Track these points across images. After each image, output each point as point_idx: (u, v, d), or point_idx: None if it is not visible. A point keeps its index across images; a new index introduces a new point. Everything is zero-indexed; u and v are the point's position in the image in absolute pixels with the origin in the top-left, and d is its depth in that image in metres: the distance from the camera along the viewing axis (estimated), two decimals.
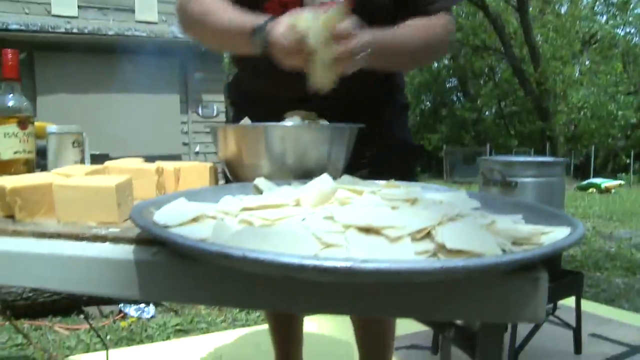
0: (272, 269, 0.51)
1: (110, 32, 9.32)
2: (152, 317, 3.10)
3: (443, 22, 1.28)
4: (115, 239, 0.75)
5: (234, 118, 1.49)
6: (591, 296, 3.59)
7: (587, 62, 24.27)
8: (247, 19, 1.13)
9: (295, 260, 0.48)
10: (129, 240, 0.74)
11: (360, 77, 1.10)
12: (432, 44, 1.27)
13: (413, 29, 1.21)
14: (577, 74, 22.83)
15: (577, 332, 2.51)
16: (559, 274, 2.41)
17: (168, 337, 2.84)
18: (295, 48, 1.00)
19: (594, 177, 16.79)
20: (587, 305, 3.02)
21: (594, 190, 12.07)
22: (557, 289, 2.32)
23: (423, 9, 1.26)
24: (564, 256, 4.36)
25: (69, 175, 0.93)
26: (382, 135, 1.37)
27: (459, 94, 28.48)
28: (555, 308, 2.44)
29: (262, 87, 1.35)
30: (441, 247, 0.60)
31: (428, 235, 0.64)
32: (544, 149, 20.93)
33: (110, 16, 9.77)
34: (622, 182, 12.84)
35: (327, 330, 2.88)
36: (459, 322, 0.81)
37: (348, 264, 0.48)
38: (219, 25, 1.19)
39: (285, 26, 1.01)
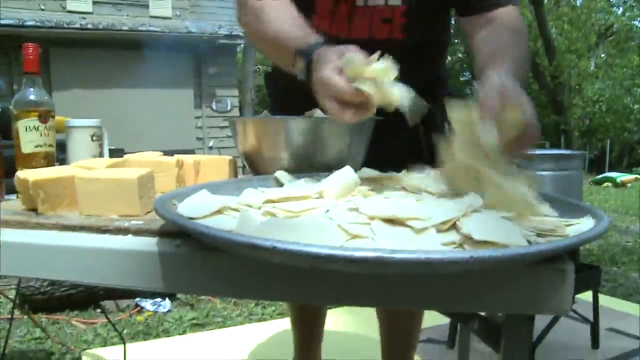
0: (300, 259, 0.51)
1: (125, 28, 9.37)
2: (169, 311, 3.12)
3: (520, 18, 1.23)
4: (138, 232, 0.75)
5: (271, 109, 1.46)
6: (608, 290, 3.57)
7: (602, 55, 24.02)
8: (293, 34, 1.04)
9: (325, 251, 0.48)
10: (152, 233, 0.74)
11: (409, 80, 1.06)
12: (525, 41, 1.22)
13: (515, 43, 1.14)
14: (592, 67, 22.62)
15: (594, 326, 2.50)
16: (577, 267, 2.39)
17: (184, 331, 2.86)
18: (353, 100, 0.84)
19: (609, 171, 16.65)
20: (604, 300, 3.00)
21: (609, 184, 11.96)
22: (574, 283, 2.31)
23: (491, 2, 1.22)
24: (580, 250, 4.33)
25: (90, 168, 0.93)
26: (424, 132, 1.34)
27: (472, 88, 28.30)
28: (572, 302, 2.43)
29: (297, 82, 1.34)
30: (467, 238, 0.60)
31: (453, 226, 0.63)
32: (559, 142, 20.77)
33: (124, 12, 9.81)
34: (638, 176, 12.70)
35: (344, 326, 2.88)
36: (482, 313, 0.80)
37: (378, 254, 0.48)
38: (267, 30, 1.10)
39: (337, 70, 0.87)
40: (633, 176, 12.49)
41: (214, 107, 10.81)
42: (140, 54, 9.43)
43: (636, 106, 20.30)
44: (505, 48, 1.10)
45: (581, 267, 2.45)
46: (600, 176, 12.66)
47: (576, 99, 21.57)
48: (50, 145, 1.13)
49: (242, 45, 11.42)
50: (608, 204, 8.23)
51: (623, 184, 11.81)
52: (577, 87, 21.76)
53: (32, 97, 1.10)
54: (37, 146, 1.10)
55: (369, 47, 1.15)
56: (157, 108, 9.57)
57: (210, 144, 10.78)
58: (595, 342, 2.53)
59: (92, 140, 1.30)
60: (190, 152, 10.17)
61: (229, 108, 10.99)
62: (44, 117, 1.11)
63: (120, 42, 9.30)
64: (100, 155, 1.34)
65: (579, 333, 2.61)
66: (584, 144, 22.35)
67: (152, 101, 9.57)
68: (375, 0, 1.24)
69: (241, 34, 11.05)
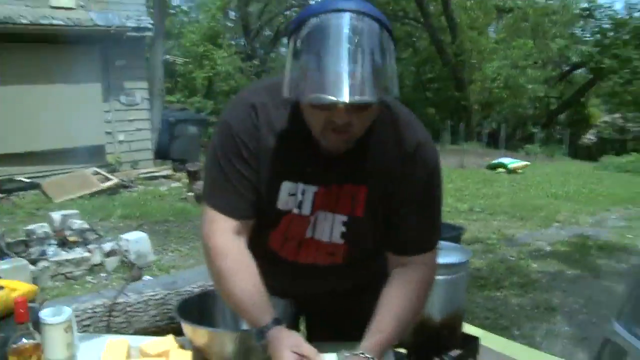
0: None
1: (24, 21, 9.02)
2: None
3: (433, 266, 1.49)
4: None
5: None
6: (491, 323, 4.12)
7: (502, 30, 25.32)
8: (250, 311, 1.34)
9: None
10: None
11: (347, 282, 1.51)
12: (425, 301, 1.48)
13: (411, 306, 1.42)
14: (492, 43, 23.76)
15: None
16: (461, 339, 2.87)
17: None
18: None
19: (505, 145, 17.92)
20: (487, 339, 3.47)
21: (503, 170, 12.94)
22: (459, 357, 2.79)
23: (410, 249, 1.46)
24: (472, 271, 4.89)
25: None
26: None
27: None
28: None
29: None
30: None
31: None
32: (458, 118, 21.97)
33: (22, 2, 9.43)
34: (527, 163, 13.78)
35: None
36: None
37: None
38: (229, 295, 1.38)
39: None
40: (524, 163, 13.53)
41: (122, 100, 10.74)
42: (42, 48, 9.21)
43: (530, 86, 21.67)
44: (397, 315, 1.39)
45: (464, 338, 2.92)
46: (495, 162, 13.62)
47: (476, 76, 22.74)
48: None
49: (151, 35, 11.28)
50: (499, 202, 9.01)
51: (515, 171, 12.82)
52: (477, 65, 22.90)
53: (27, 342, 1.37)
54: None
55: (314, 269, 1.51)
56: (63, 103, 9.40)
57: (121, 137, 10.73)
58: None
59: (66, 332, 1.57)
60: (100, 148, 10.12)
61: (138, 101, 10.96)
62: (36, 353, 1.38)
63: (19, 36, 8.97)
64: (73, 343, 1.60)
65: None
66: (483, 118, 23.72)
67: (57, 97, 9.39)
68: (321, 236, 1.47)
69: (149, 25, 10.94)
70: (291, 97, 1.25)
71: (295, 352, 1.26)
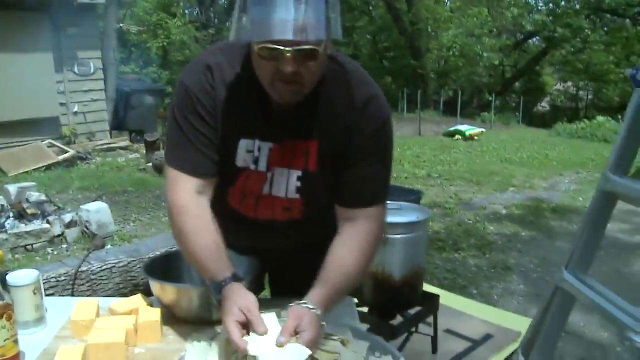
0: None
1: None
2: None
3: (378, 221, 1.49)
4: None
5: None
6: (449, 283, 4.27)
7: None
8: (208, 267, 1.36)
9: None
10: None
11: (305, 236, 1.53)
12: (372, 254, 1.48)
13: (353, 259, 1.42)
14: (447, 11, 23.89)
15: (434, 339, 3.11)
16: (421, 297, 2.98)
17: None
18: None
19: (460, 115, 18.18)
20: (444, 297, 3.62)
21: (459, 136, 13.16)
22: (419, 314, 2.91)
23: (358, 201, 1.48)
24: (430, 234, 5.03)
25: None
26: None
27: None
28: (417, 328, 3.03)
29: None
30: None
31: None
32: (416, 86, 22.12)
33: None
34: (483, 129, 14.05)
35: None
36: None
37: None
38: (189, 252, 1.41)
39: (235, 328, 1.22)
40: (480, 129, 13.79)
41: (75, 70, 10.46)
42: None
43: (485, 54, 21.93)
44: (344, 268, 1.40)
45: (424, 296, 3.03)
46: (452, 128, 13.84)
47: (432, 44, 22.87)
48: (15, 333, 1.41)
49: (103, 3, 10.98)
50: (457, 167, 9.18)
51: (471, 137, 13.06)
52: (433, 33, 23.01)
53: None
54: (6, 340, 1.38)
55: (273, 225, 1.57)
56: (13, 74, 9.07)
57: (75, 109, 10.49)
58: (434, 348, 3.15)
59: (34, 294, 1.59)
60: (54, 119, 9.87)
61: (92, 70, 10.70)
62: (7, 312, 1.39)
63: None
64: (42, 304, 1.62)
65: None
66: (440, 86, 23.95)
67: (6, 67, 9.05)
68: (277, 191, 1.50)
69: None
70: (237, 42, 1.30)
71: (243, 313, 1.25)
